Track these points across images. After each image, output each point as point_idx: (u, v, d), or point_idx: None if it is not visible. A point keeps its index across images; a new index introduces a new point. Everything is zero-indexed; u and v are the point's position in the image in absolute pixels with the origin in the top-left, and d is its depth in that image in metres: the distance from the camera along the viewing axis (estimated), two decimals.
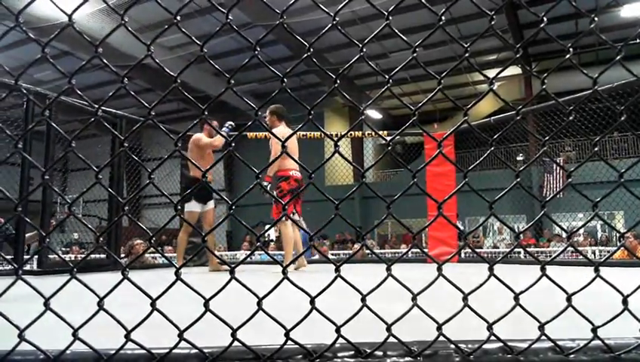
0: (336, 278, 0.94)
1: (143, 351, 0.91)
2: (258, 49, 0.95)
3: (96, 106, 0.98)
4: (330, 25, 0.98)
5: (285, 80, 0.97)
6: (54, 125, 1.12)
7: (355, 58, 1.00)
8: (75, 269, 0.93)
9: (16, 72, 0.98)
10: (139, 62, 1.03)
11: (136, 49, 11.24)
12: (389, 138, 1.02)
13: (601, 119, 6.30)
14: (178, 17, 0.96)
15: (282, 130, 4.55)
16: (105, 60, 0.96)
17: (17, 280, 0.92)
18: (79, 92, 1.00)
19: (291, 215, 4.56)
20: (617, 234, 1.09)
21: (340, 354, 0.94)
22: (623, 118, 1.01)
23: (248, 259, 6.41)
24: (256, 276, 4.22)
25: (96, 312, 0.92)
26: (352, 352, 0.94)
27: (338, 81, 0.97)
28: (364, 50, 0.97)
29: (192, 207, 4.95)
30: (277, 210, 4.59)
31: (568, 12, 11.66)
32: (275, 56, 14.00)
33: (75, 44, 11.57)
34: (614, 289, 0.96)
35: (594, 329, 0.95)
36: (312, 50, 0.97)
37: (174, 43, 13.05)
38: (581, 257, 6.06)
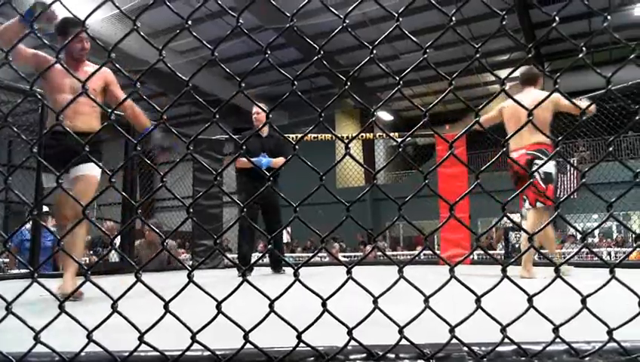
0: (347, 280, 0.94)
1: (156, 353, 0.92)
2: (269, 52, 0.95)
3: (110, 110, 0.99)
4: (340, 27, 0.98)
5: (296, 83, 0.98)
6: (69, 130, 1.14)
7: (366, 60, 1.00)
8: (89, 272, 0.94)
9: (31, 78, 1.00)
10: (151, 67, 1.04)
11: (148, 54, 11.34)
12: (400, 139, 1.02)
13: (615, 119, 6.21)
14: (189, 22, 0.97)
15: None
16: (118, 65, 0.97)
17: (33, 283, 0.93)
18: (92, 97, 1.01)
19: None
20: (633, 235, 1.08)
21: (351, 357, 0.93)
22: (638, 118, 1.00)
23: (259, 261, 6.39)
24: (267, 279, 4.23)
25: (110, 314, 0.92)
26: (364, 355, 0.94)
27: (349, 83, 0.97)
28: (375, 51, 0.97)
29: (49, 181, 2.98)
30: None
31: (581, 11, 11.53)
32: (285, 59, 14.04)
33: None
34: (630, 291, 0.95)
35: (609, 332, 0.94)
36: (322, 52, 0.97)
37: (186, 47, 13.14)
38: (596, 258, 5.98)
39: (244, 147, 1.00)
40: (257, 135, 4.66)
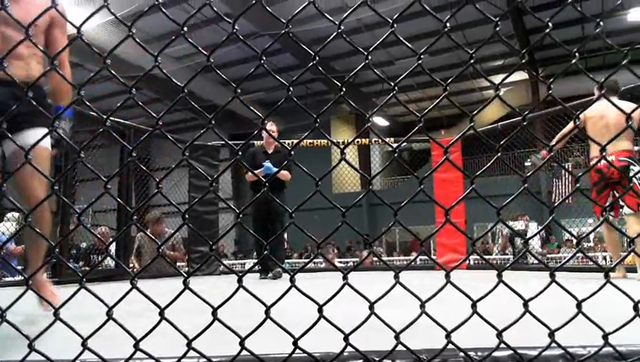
0: (343, 286, 0.94)
1: (152, 361, 0.91)
2: (264, 58, 0.95)
3: (105, 117, 0.98)
4: (335, 33, 0.99)
5: (291, 88, 0.98)
6: (63, 136, 1.13)
7: (361, 65, 1.00)
8: (84, 279, 0.93)
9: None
10: (147, 73, 1.05)
11: (144, 60, 11.35)
12: (395, 145, 1.03)
13: None
14: (185, 28, 0.97)
15: None
16: (113, 72, 0.97)
17: (27, 290, 0.93)
18: (88, 103, 1.01)
19: None
20: (627, 240, 1.08)
21: None
22: (630, 123, 1.01)
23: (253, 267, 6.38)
24: (263, 284, 4.22)
25: (105, 322, 0.92)
26: (361, 361, 0.94)
27: (344, 89, 0.97)
28: (370, 57, 0.97)
29: None
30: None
31: (574, 17, 11.63)
32: (281, 65, 14.07)
33: (84, 55, 11.71)
34: (625, 295, 0.95)
35: (605, 336, 0.94)
36: (317, 58, 0.98)
37: (181, 53, 13.15)
38: (591, 263, 5.99)
39: (239, 153, 1.00)
40: (265, 151, 5.02)
